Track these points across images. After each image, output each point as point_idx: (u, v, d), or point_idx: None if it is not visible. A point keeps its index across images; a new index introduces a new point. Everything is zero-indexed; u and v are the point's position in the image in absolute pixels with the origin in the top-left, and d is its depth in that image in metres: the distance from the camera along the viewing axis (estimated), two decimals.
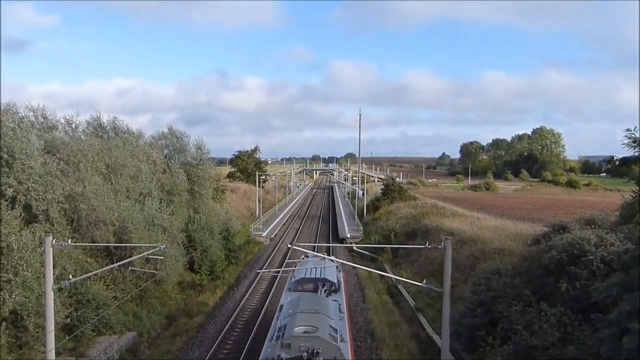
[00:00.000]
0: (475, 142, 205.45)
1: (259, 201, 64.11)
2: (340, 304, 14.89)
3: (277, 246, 45.89)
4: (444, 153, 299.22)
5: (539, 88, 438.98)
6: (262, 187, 77.29)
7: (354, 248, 42.54)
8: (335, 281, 16.62)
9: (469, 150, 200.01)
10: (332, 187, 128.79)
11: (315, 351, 10.16)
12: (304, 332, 11.56)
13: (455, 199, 69.83)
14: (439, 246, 13.50)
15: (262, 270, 17.61)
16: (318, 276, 16.51)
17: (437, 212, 44.28)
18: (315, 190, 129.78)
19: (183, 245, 30.29)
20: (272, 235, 51.15)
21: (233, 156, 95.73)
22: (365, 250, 41.21)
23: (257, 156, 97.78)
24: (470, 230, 32.70)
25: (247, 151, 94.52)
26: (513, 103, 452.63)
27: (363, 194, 72.59)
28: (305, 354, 10.18)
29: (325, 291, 14.75)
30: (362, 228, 50.96)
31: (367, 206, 63.58)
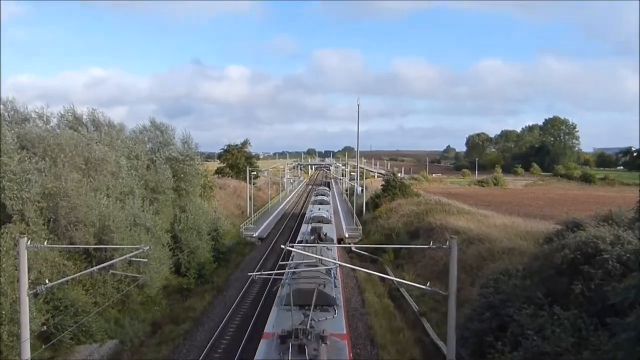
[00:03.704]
0: (482, 133, 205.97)
1: (250, 199, 64.09)
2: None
3: (270, 247, 45.95)
4: (448, 146, 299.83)
5: (538, 76, 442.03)
6: (254, 184, 77.13)
7: (353, 249, 42.57)
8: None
9: (476, 142, 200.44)
10: (328, 183, 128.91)
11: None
12: None
13: (461, 195, 70.05)
14: (444, 246, 13.50)
15: (254, 273, 17.56)
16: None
17: (441, 210, 44.48)
18: (310, 186, 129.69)
19: (168, 247, 30.27)
20: (265, 236, 51.17)
21: (222, 150, 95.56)
22: (365, 251, 41.32)
23: (248, 150, 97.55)
24: (478, 228, 32.88)
25: (236, 145, 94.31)
26: (512, 92, 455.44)
27: (362, 190, 72.66)
28: None
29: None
30: (361, 227, 51.09)
31: (366, 204, 63.70)
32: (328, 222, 36.52)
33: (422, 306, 26.30)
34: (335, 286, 16.72)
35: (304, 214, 51.69)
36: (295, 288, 14.95)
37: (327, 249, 21.94)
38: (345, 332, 13.49)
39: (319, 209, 43.10)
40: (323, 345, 11.51)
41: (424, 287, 14.18)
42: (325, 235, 27.69)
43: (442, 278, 23.22)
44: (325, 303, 14.68)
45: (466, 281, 24.73)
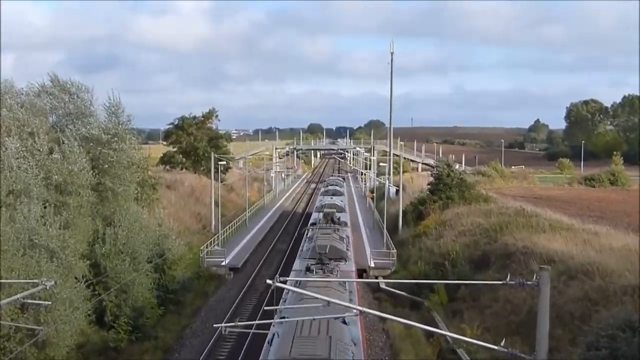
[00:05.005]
0: (592, 101, 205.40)
1: (217, 205, 64.06)
2: None
3: (249, 282, 46.16)
4: (537, 121, 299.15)
5: None
6: (222, 181, 77.07)
7: (382, 286, 42.48)
8: None
9: (582, 115, 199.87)
10: (343, 178, 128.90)
11: None
12: None
13: (557, 200, 69.71)
14: (529, 282, 13.49)
15: (223, 325, 17.54)
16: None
17: (525, 224, 44.33)
18: (315, 185, 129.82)
19: (85, 282, 30.32)
20: (240, 264, 51.29)
21: (170, 126, 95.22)
22: (401, 290, 41.17)
23: (213, 126, 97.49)
24: (583, 254, 32.78)
25: (194, 118, 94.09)
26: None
27: (397, 191, 72.41)
28: None
29: None
30: (395, 251, 51.02)
31: (404, 213, 63.47)
32: (342, 210, 51.15)
33: None
34: (347, 247, 36.04)
35: (305, 225, 52.95)
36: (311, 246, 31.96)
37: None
38: (353, 269, 31.66)
39: (332, 199, 60.47)
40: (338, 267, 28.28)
41: (495, 347, 14.21)
42: (339, 219, 43.84)
43: (526, 333, 23.10)
44: (338, 257, 31.17)
45: (564, 338, 24.66)
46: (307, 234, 39.78)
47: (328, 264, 28.37)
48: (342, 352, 17.51)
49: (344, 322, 19.58)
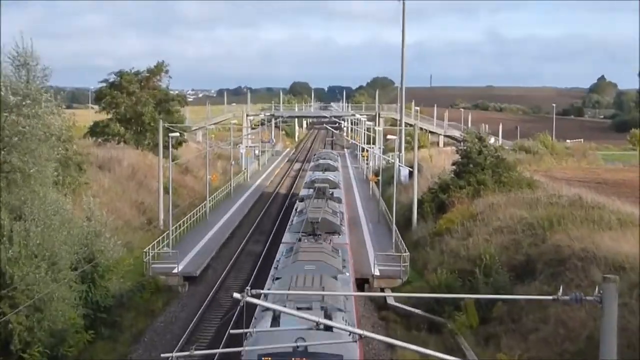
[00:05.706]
0: None
1: (168, 192, 63.90)
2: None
3: (210, 297, 46.30)
4: (602, 78, 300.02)
5: None
6: (175, 159, 76.80)
7: (390, 301, 42.44)
8: None
9: None
10: (338, 154, 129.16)
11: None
12: None
13: (629, 186, 69.95)
14: (588, 297, 13.17)
15: (175, 355, 17.25)
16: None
17: (584, 218, 44.35)
18: (300, 165, 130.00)
19: None
20: (197, 272, 51.20)
21: (103, 85, 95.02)
22: (415, 307, 41.10)
23: (162, 85, 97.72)
24: None
25: (137, 73, 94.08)
26: None
27: (411, 173, 72.32)
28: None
29: None
30: (407, 255, 51.05)
31: (419, 203, 63.59)
32: (335, 186, 61.85)
33: None
34: (341, 222, 45.32)
35: (287, 217, 57.15)
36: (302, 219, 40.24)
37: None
38: (347, 242, 41.23)
39: (324, 174, 71.02)
40: (330, 239, 38.36)
41: None
42: (332, 194, 53.15)
43: None
44: (331, 230, 39.96)
45: None
46: (296, 208, 50.97)
47: (320, 234, 37.00)
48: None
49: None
